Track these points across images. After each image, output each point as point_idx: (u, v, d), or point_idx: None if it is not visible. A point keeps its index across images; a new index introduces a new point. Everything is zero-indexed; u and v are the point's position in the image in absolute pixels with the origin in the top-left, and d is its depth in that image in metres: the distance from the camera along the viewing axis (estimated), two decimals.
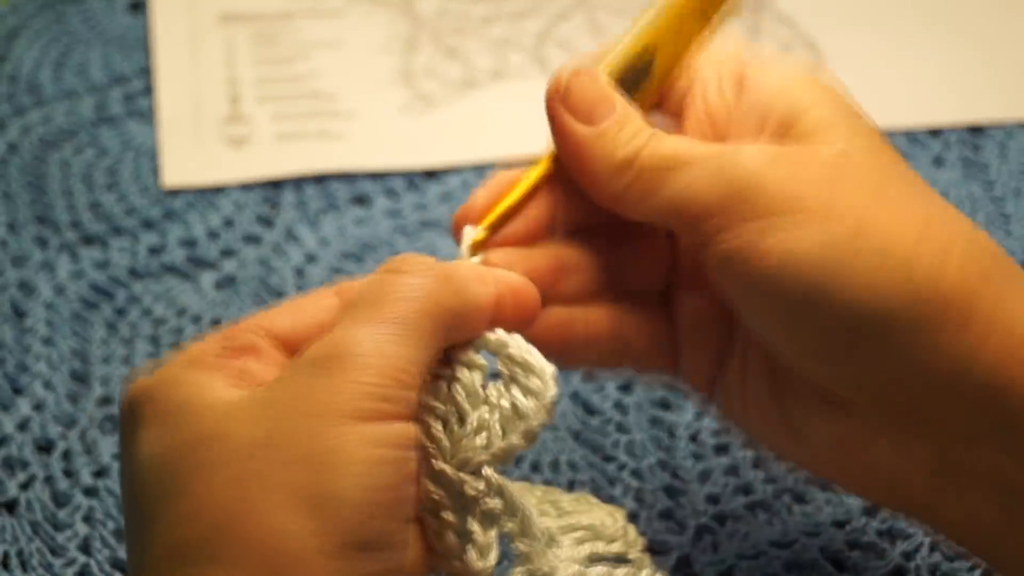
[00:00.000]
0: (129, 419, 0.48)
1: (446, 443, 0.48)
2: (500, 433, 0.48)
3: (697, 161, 0.52)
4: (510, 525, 0.48)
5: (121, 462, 0.49)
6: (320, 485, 0.44)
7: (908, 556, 0.62)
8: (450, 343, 0.49)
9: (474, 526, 0.48)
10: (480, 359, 0.49)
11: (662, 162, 0.52)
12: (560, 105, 0.53)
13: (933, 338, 0.49)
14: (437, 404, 0.49)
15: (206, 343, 0.49)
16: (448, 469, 0.48)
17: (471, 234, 0.54)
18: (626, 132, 0.53)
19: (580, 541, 0.51)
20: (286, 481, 0.44)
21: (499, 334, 0.50)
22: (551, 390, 0.49)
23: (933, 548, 0.63)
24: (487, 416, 0.48)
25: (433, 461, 0.48)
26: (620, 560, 0.51)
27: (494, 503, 0.48)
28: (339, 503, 0.44)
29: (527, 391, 0.49)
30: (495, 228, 0.54)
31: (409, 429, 0.46)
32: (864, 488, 0.55)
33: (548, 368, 0.49)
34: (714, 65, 0.55)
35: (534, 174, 0.55)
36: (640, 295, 0.56)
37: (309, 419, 0.45)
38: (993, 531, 0.51)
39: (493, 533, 0.48)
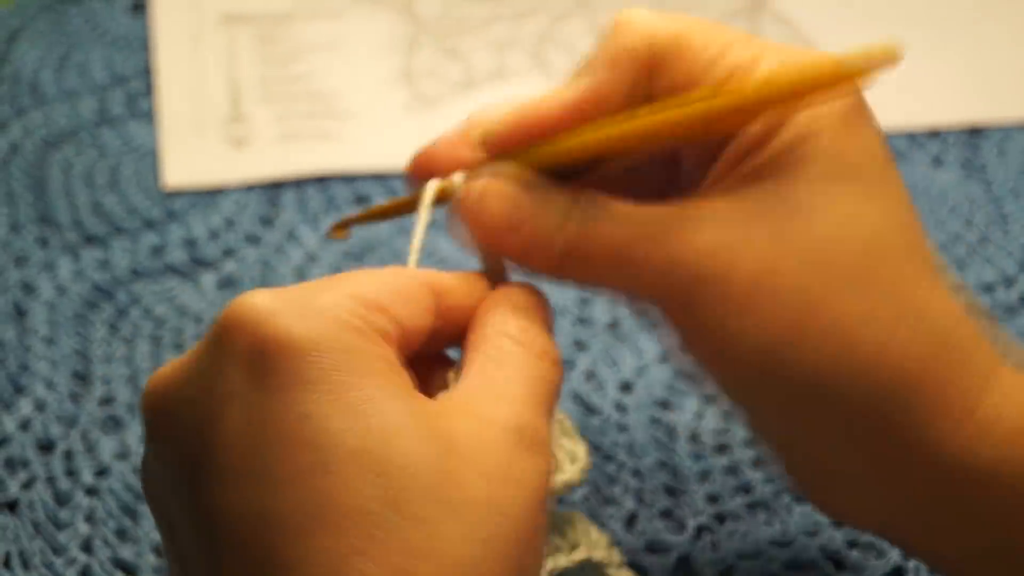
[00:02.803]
0: (255, 359, 0.44)
1: None
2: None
3: (640, 253, 0.49)
4: None
5: (231, 412, 0.44)
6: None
7: (907, 555, 0.63)
8: None
9: None
10: None
11: (601, 253, 0.50)
12: (476, 223, 0.51)
13: (880, 416, 0.49)
14: None
15: (347, 312, 0.45)
16: None
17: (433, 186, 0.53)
18: (551, 227, 0.50)
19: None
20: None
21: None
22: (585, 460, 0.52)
23: None
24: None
25: None
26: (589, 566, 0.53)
27: None
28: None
29: (571, 454, 0.51)
30: (363, 218, 0.54)
31: None
32: (832, 514, 0.56)
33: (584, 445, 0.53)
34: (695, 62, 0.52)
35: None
36: None
37: (528, 498, 0.44)
38: (961, 570, 0.52)
39: None
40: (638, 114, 0.49)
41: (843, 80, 0.48)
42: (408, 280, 0.48)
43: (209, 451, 0.44)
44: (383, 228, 0.77)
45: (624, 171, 0.53)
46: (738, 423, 0.64)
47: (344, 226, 0.55)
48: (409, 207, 0.54)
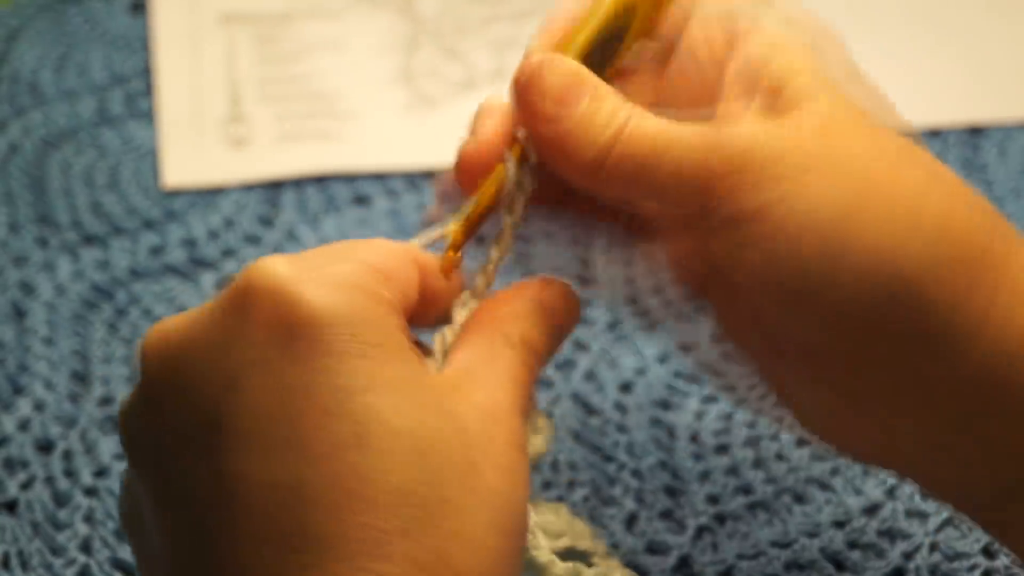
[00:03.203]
0: (282, 327, 0.43)
1: None
2: None
3: (686, 139, 0.49)
4: None
5: (254, 382, 0.43)
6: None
7: (908, 556, 0.62)
8: None
9: None
10: None
11: (649, 142, 0.49)
12: (530, 91, 0.50)
13: (944, 296, 0.48)
14: None
15: (360, 282, 0.45)
16: None
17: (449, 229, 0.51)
18: (603, 114, 0.50)
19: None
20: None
21: None
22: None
23: (933, 548, 0.63)
24: None
25: None
26: (574, 554, 0.52)
27: None
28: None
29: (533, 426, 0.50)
30: (471, 227, 0.51)
31: None
32: (856, 456, 0.54)
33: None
34: (705, 20, 0.53)
35: (501, 171, 0.52)
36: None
37: (522, 505, 0.45)
38: (987, 504, 0.50)
39: None
40: None
41: None
42: (402, 252, 0.48)
43: (231, 415, 0.43)
44: (383, 228, 0.77)
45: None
46: (744, 390, 0.61)
47: (456, 253, 0.51)
48: (496, 194, 0.51)
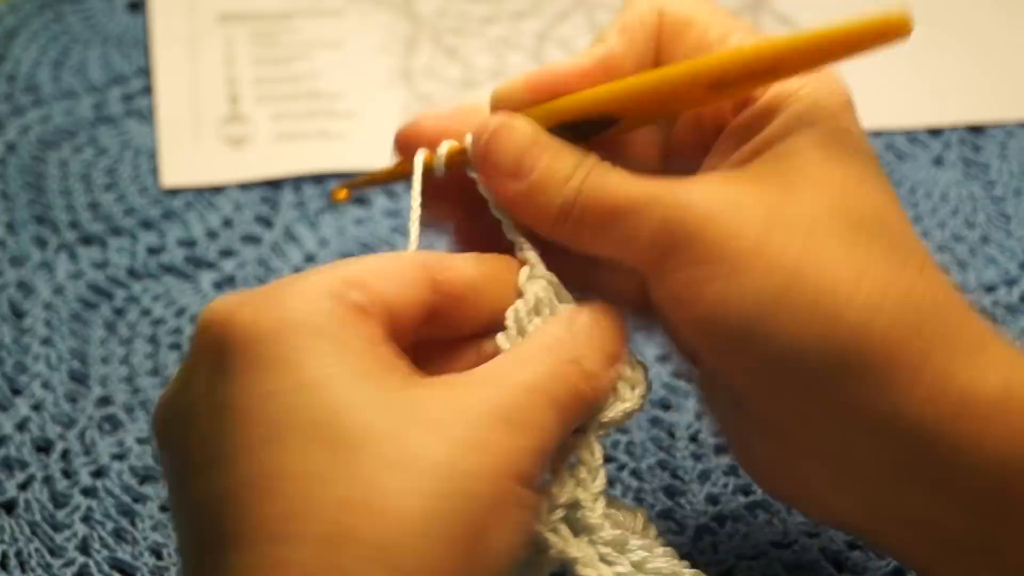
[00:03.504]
0: (218, 353, 0.45)
1: None
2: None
3: (639, 209, 0.50)
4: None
5: (189, 393, 0.46)
6: (487, 532, 0.44)
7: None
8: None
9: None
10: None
11: (602, 209, 0.51)
12: (488, 154, 0.52)
13: (857, 387, 0.49)
14: None
15: (320, 291, 0.46)
16: None
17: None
18: (559, 177, 0.51)
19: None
20: (457, 517, 0.43)
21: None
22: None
23: None
24: None
25: None
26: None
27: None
28: (495, 558, 0.44)
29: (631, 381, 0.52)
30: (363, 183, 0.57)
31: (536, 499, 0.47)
32: (806, 510, 0.56)
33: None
34: None
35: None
36: None
37: (494, 472, 0.45)
38: (929, 567, 0.52)
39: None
40: (644, 74, 0.52)
41: (852, 46, 0.49)
42: (393, 258, 0.49)
43: (186, 451, 0.46)
44: (383, 228, 0.77)
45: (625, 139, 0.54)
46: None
47: (344, 190, 0.57)
48: (400, 175, 0.55)
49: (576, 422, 0.50)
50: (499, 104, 0.53)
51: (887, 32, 0.48)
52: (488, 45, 0.87)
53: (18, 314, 0.73)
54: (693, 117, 0.54)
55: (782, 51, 0.49)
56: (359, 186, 0.58)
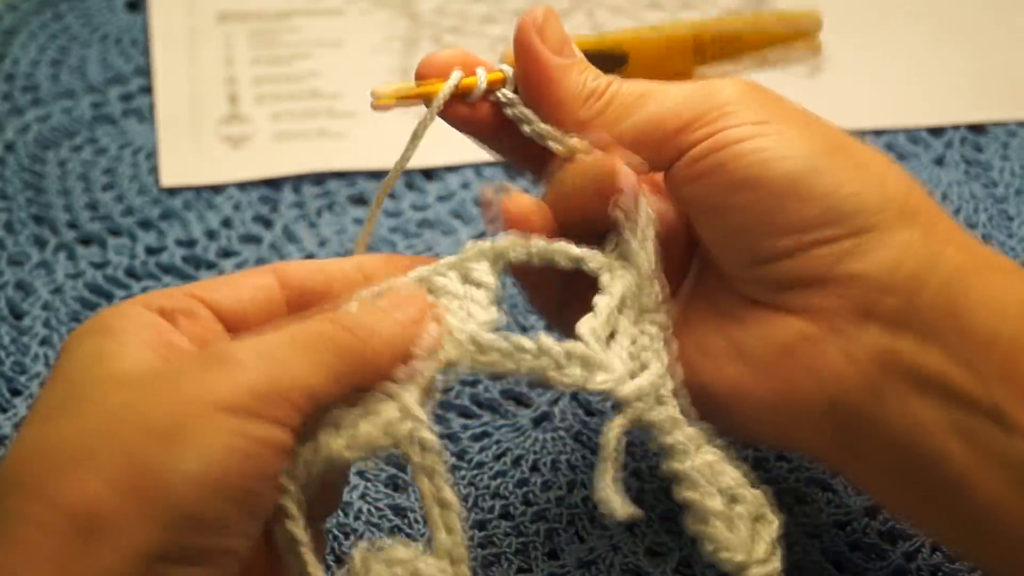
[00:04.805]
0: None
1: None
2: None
3: (670, 88, 0.56)
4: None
5: None
6: (160, 455, 0.46)
7: (909, 557, 0.62)
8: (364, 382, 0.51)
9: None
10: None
11: (635, 91, 0.56)
12: (534, 34, 0.57)
13: (903, 236, 0.53)
14: None
15: (140, 300, 0.51)
16: None
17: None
18: (591, 71, 0.57)
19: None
20: (127, 447, 0.46)
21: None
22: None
23: (935, 549, 0.62)
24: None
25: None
26: None
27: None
28: (174, 474, 0.46)
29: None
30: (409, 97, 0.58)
31: (278, 435, 0.48)
32: (801, 400, 0.55)
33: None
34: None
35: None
36: None
37: (179, 400, 0.47)
38: (934, 444, 0.52)
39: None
40: (651, 27, 0.61)
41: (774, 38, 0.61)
42: (244, 274, 0.54)
43: None
44: (382, 228, 0.77)
45: None
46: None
47: (389, 96, 0.58)
48: (431, 93, 0.58)
49: (343, 362, 0.50)
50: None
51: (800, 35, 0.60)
52: (488, 45, 0.87)
53: (17, 315, 0.73)
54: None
55: (740, 28, 0.61)
56: (403, 97, 0.59)
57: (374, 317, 0.51)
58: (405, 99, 0.58)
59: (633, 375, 0.54)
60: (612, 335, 0.55)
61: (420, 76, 0.58)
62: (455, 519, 0.50)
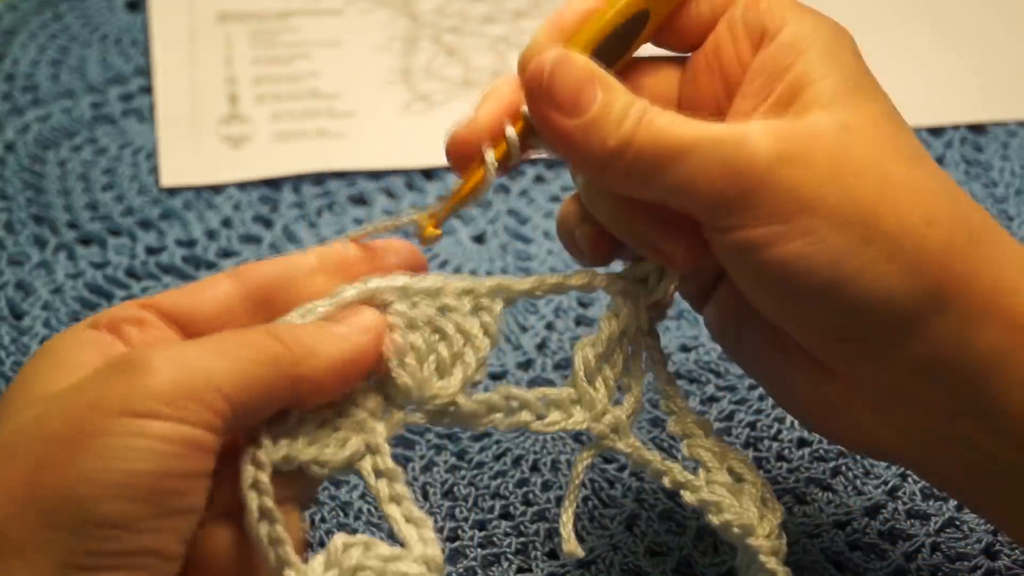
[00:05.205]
0: None
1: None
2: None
3: (699, 149, 0.50)
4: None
5: None
6: (62, 462, 0.46)
7: (909, 557, 0.62)
8: (300, 400, 0.50)
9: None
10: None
11: (659, 148, 0.51)
12: (543, 102, 0.52)
13: (934, 327, 0.51)
14: None
15: (86, 320, 0.51)
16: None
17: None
18: (615, 116, 0.51)
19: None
20: (30, 458, 0.46)
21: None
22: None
23: (935, 549, 0.62)
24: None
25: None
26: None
27: None
28: (76, 480, 0.45)
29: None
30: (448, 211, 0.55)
31: (188, 433, 0.47)
32: (842, 441, 0.57)
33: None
34: (733, 20, 0.54)
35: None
36: None
37: (83, 408, 0.46)
38: (967, 487, 0.54)
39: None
40: None
41: None
42: (203, 280, 0.54)
43: None
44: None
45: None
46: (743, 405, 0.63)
47: (435, 229, 0.55)
48: (479, 185, 0.54)
49: (268, 369, 0.49)
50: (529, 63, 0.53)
51: None
52: (488, 44, 0.87)
53: (17, 315, 0.73)
54: (710, 58, 0.55)
55: None
56: (447, 215, 0.55)
57: (319, 338, 0.50)
58: (449, 215, 0.55)
59: (611, 399, 0.55)
60: (605, 356, 0.55)
61: (450, 156, 0.55)
62: (430, 532, 0.50)
